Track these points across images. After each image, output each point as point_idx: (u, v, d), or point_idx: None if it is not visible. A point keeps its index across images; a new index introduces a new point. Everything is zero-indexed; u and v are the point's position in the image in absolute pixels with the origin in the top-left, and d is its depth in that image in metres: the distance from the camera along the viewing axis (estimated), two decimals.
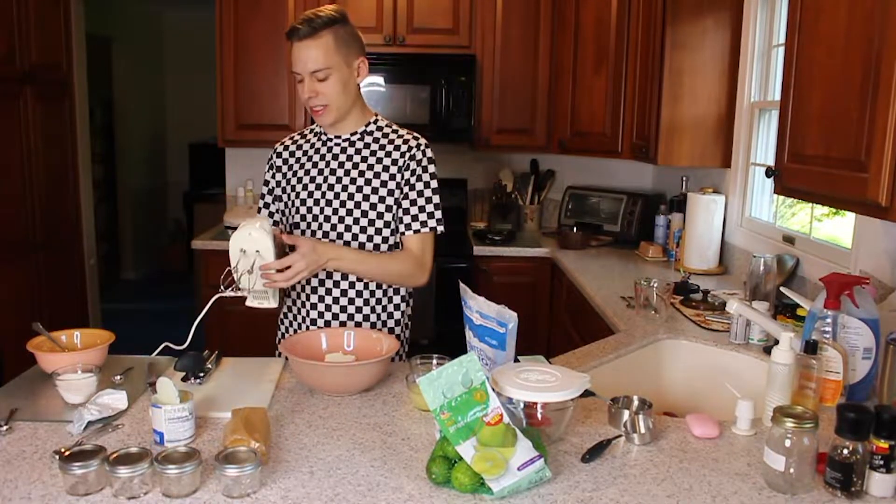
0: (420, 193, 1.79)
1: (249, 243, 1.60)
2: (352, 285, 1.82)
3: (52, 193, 3.83)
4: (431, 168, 1.81)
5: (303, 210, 1.81)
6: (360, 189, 1.78)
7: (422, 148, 1.80)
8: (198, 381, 1.53)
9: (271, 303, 1.65)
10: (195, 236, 3.58)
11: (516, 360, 1.40)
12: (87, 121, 4.32)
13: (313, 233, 1.80)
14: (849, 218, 2.12)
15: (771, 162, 2.06)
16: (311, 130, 1.89)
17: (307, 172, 1.83)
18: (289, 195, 1.85)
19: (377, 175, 1.78)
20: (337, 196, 1.79)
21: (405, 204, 1.79)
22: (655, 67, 2.89)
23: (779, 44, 2.62)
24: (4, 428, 1.29)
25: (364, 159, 1.80)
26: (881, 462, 1.11)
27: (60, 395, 1.40)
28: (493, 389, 1.21)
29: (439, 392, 1.17)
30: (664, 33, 2.82)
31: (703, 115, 2.88)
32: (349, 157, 1.80)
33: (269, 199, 1.91)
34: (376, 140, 1.82)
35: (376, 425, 1.37)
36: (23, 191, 3.57)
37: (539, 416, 1.26)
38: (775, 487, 1.14)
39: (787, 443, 1.13)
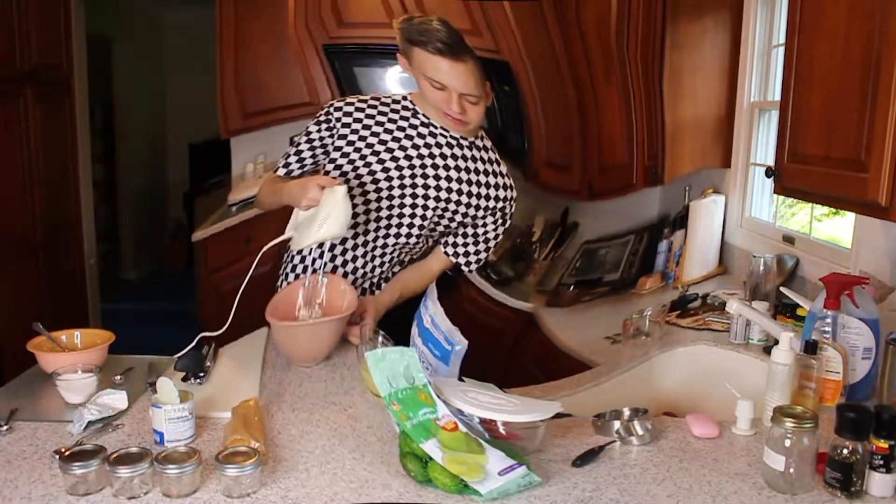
0: (486, 239, 1.84)
1: (327, 208, 1.50)
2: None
3: (52, 193, 3.83)
4: (508, 224, 1.86)
5: (369, 188, 1.70)
6: (449, 198, 1.73)
7: (512, 203, 1.83)
8: (198, 381, 1.53)
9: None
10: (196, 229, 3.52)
11: (461, 380, 1.36)
12: (87, 121, 4.32)
13: (377, 218, 1.73)
14: (849, 218, 2.12)
15: (771, 162, 2.06)
16: (399, 102, 1.72)
17: (390, 151, 1.68)
18: (353, 166, 1.71)
19: (469, 196, 1.75)
20: (425, 188, 1.70)
21: (469, 232, 1.82)
22: (655, 68, 2.88)
23: (779, 44, 2.62)
24: (4, 428, 1.29)
25: (467, 170, 1.74)
26: (881, 462, 1.11)
27: (60, 395, 1.40)
28: (439, 397, 1.17)
29: (385, 378, 1.14)
30: (664, 33, 2.81)
31: (703, 115, 2.88)
32: (454, 157, 1.72)
33: (295, 166, 1.75)
34: (483, 161, 1.77)
35: (342, 407, 1.38)
36: (23, 191, 3.57)
37: (502, 431, 1.20)
38: (775, 487, 1.14)
39: (787, 443, 1.13)
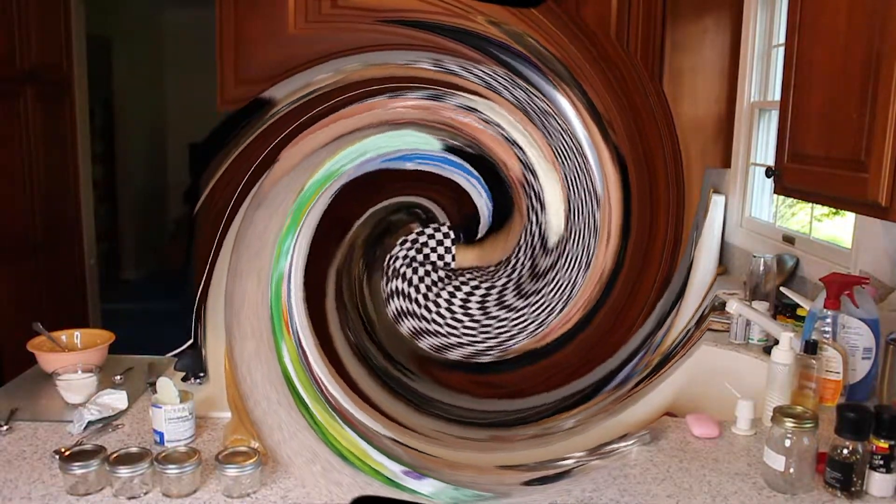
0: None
1: None
2: None
3: (52, 193, 3.84)
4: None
5: None
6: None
7: None
8: (198, 381, 1.53)
9: None
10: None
11: None
12: (87, 121, 4.32)
13: None
14: (849, 218, 2.12)
15: (771, 162, 2.06)
16: None
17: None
18: None
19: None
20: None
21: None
22: (655, 69, 2.88)
23: (779, 44, 2.62)
24: (4, 428, 1.29)
25: None
26: (881, 462, 1.11)
27: (60, 395, 1.40)
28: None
29: (332, 162, 0.98)
30: (664, 34, 2.81)
31: (703, 115, 2.88)
32: None
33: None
34: None
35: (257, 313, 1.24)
36: (23, 191, 3.57)
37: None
38: (775, 487, 1.15)
39: (787, 443, 1.13)
